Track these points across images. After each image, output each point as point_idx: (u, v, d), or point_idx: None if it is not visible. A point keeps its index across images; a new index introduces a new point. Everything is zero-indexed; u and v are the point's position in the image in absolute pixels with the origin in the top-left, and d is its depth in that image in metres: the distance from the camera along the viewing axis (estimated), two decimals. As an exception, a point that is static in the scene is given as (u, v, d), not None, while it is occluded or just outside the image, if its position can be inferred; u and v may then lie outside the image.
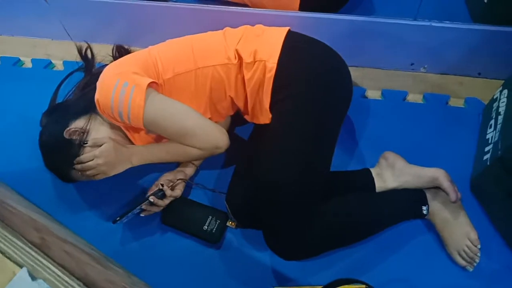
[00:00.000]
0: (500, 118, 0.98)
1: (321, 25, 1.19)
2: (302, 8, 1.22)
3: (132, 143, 0.98)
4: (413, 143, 1.06)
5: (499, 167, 0.89)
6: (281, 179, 0.83)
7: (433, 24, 1.14)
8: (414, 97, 1.18)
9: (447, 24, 1.14)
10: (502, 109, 0.99)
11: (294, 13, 1.21)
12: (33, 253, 0.50)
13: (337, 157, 0.92)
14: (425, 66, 1.22)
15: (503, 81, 1.05)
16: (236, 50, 0.92)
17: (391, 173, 0.95)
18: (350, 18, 1.18)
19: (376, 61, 1.24)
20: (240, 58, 0.91)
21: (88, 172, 0.91)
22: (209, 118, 0.96)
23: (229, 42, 0.94)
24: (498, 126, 0.97)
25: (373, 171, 0.97)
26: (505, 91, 1.02)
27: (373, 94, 1.19)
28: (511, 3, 1.14)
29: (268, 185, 0.84)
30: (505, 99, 1.00)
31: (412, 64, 1.23)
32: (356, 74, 1.20)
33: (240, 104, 0.97)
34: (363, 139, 1.08)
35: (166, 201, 0.96)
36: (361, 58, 1.23)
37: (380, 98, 1.18)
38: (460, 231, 0.89)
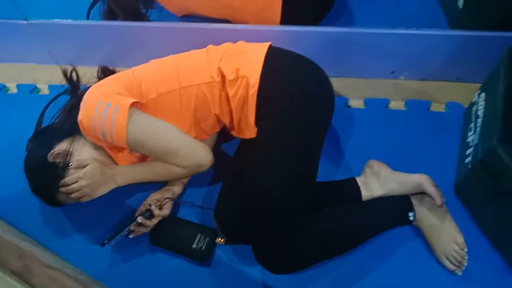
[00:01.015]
0: (479, 121, 1.00)
1: (303, 38, 1.21)
2: (284, 22, 1.24)
3: (116, 163, 0.98)
4: (397, 150, 1.08)
5: (480, 169, 0.91)
6: (270, 186, 0.85)
7: (410, 32, 1.17)
8: (397, 104, 1.20)
9: (424, 32, 1.16)
10: (480, 112, 1.01)
11: (275, 28, 1.23)
12: (13, 282, 0.50)
13: (323, 167, 0.93)
14: (405, 73, 1.24)
15: (481, 85, 1.07)
16: (219, 68, 0.93)
17: (377, 181, 0.96)
18: (330, 30, 1.20)
19: (358, 71, 1.26)
20: (223, 75, 0.93)
21: (73, 195, 0.91)
22: (194, 137, 0.97)
23: (212, 60, 0.95)
24: (478, 129, 0.98)
25: (359, 180, 0.98)
26: (483, 94, 1.04)
27: (356, 103, 1.21)
28: (484, 8, 1.18)
29: (258, 193, 0.85)
30: (483, 102, 1.02)
31: (392, 72, 1.25)
32: (339, 84, 1.22)
33: (226, 121, 0.98)
34: (348, 148, 1.10)
35: (155, 221, 0.96)
36: (343, 68, 1.25)
37: (363, 107, 1.20)
38: (447, 236, 0.90)
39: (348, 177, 1.00)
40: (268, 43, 0.99)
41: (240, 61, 0.94)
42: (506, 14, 1.14)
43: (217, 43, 1.03)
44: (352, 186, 0.96)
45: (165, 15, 1.40)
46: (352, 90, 1.23)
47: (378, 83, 1.24)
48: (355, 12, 1.36)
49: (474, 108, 1.06)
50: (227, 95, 0.94)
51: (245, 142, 1.01)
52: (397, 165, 1.00)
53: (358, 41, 1.20)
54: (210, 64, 0.94)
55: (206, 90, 0.93)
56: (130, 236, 0.96)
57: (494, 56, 1.01)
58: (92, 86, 0.93)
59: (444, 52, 1.19)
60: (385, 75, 1.26)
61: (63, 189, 0.91)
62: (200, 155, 0.92)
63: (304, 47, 1.10)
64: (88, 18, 1.39)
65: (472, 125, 1.03)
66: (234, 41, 1.04)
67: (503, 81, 0.94)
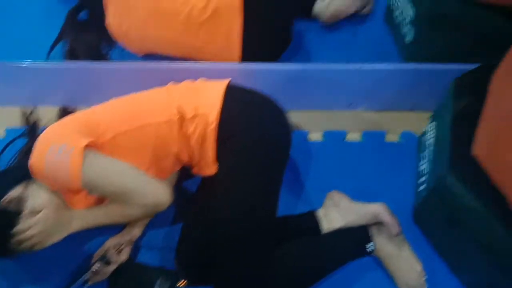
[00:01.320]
0: (430, 149, 1.04)
1: (262, 74, 1.25)
2: (244, 59, 1.28)
3: (72, 207, 0.96)
4: (356, 180, 1.10)
5: (433, 198, 0.94)
6: (231, 224, 0.86)
7: (364, 67, 1.22)
8: (354, 136, 1.23)
9: (377, 66, 1.23)
10: (431, 141, 1.06)
11: (235, 65, 1.27)
12: None
13: (283, 201, 0.94)
14: (362, 105, 1.29)
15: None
16: (178, 106, 0.95)
17: (337, 212, 0.98)
18: (289, 67, 1.25)
19: (316, 104, 1.30)
20: (182, 113, 0.94)
21: (26, 243, 0.87)
22: (154, 176, 0.97)
23: (171, 98, 0.97)
24: (430, 158, 1.03)
25: (320, 212, 1.00)
26: (434, 124, 1.09)
27: (315, 136, 1.24)
28: (428, 43, 1.26)
29: (219, 231, 0.86)
30: (434, 131, 1.07)
31: (349, 105, 1.29)
32: (299, 118, 1.24)
33: (185, 159, 0.99)
34: (309, 181, 1.12)
35: (112, 267, 0.93)
36: (303, 102, 1.28)
37: (322, 140, 1.23)
38: (406, 265, 0.92)
39: (308, 210, 1.01)
40: (227, 80, 1.02)
41: (199, 99, 0.96)
42: (452, 48, 1.22)
43: (179, 81, 1.05)
44: (311, 220, 0.98)
45: (127, 54, 1.41)
46: (312, 123, 1.26)
47: (336, 115, 1.28)
48: (312, 47, 1.42)
49: (426, 137, 1.11)
50: (186, 133, 0.94)
51: (205, 179, 1.01)
52: (357, 196, 1.02)
53: (315, 77, 1.25)
54: (170, 103, 0.96)
55: (165, 129, 0.93)
56: (88, 284, 0.92)
57: (444, 87, 1.07)
58: (48, 127, 0.92)
59: (397, 84, 1.25)
60: (342, 107, 1.30)
61: (16, 238, 0.88)
62: (158, 194, 0.91)
63: (264, 83, 1.14)
64: (48, 58, 1.39)
65: (424, 153, 1.08)
66: (195, 79, 1.06)
67: (451, 110, 1.00)
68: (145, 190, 0.90)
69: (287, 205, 1.02)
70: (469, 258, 0.92)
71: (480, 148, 0.88)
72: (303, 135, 1.23)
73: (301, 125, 1.25)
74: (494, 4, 1.08)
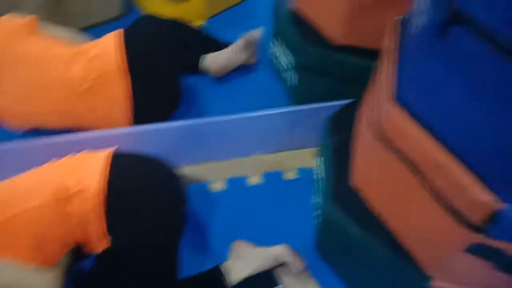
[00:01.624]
0: (320, 183, 1.11)
1: (155, 135, 1.24)
2: (135, 121, 1.26)
3: None
4: (261, 223, 1.12)
5: (325, 229, 1.00)
6: None
7: (255, 114, 1.29)
8: (254, 180, 1.27)
9: (266, 112, 1.30)
10: (321, 175, 1.13)
11: (125, 130, 1.23)
12: None
13: (188, 260, 0.92)
14: (259, 149, 1.35)
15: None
16: (57, 185, 0.88)
17: (242, 262, 0.98)
18: (181, 124, 1.25)
19: (216, 155, 1.32)
20: (60, 192, 0.88)
21: None
22: (39, 265, 0.88)
23: (49, 178, 0.91)
24: (321, 191, 1.09)
25: (226, 265, 0.98)
26: (322, 158, 1.18)
27: (218, 185, 1.25)
28: (310, 86, 1.38)
29: None
30: (322, 165, 1.15)
31: (248, 150, 1.34)
32: (199, 170, 1.25)
33: (73, 240, 0.91)
34: (214, 234, 1.11)
35: None
36: (201, 155, 1.30)
37: (224, 188, 1.25)
38: (313, 301, 0.93)
39: (213, 266, 0.99)
40: (112, 149, 0.99)
41: (79, 174, 0.91)
42: (331, 88, 1.35)
43: (65, 154, 0.99)
44: (218, 275, 0.95)
45: (3, 132, 1.30)
46: (213, 174, 1.27)
47: (237, 162, 1.31)
48: (205, 101, 1.46)
49: (316, 171, 1.19)
50: (68, 212, 0.88)
51: (99, 256, 0.94)
52: (263, 239, 1.03)
53: (210, 129, 1.28)
54: (47, 183, 0.89)
55: (44, 212, 0.86)
56: None
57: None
58: None
59: (288, 125, 1.33)
60: (242, 153, 1.34)
61: None
62: (41, 287, 0.83)
63: (157, 143, 1.13)
64: None
65: (317, 187, 1.15)
66: (82, 150, 1.01)
67: (330, 145, 1.09)
68: (27, 286, 0.82)
69: (192, 264, 1.00)
70: (369, 284, 0.96)
71: (356, 178, 0.96)
72: (205, 187, 1.24)
73: (202, 177, 1.26)
74: (356, 47, 1.23)
